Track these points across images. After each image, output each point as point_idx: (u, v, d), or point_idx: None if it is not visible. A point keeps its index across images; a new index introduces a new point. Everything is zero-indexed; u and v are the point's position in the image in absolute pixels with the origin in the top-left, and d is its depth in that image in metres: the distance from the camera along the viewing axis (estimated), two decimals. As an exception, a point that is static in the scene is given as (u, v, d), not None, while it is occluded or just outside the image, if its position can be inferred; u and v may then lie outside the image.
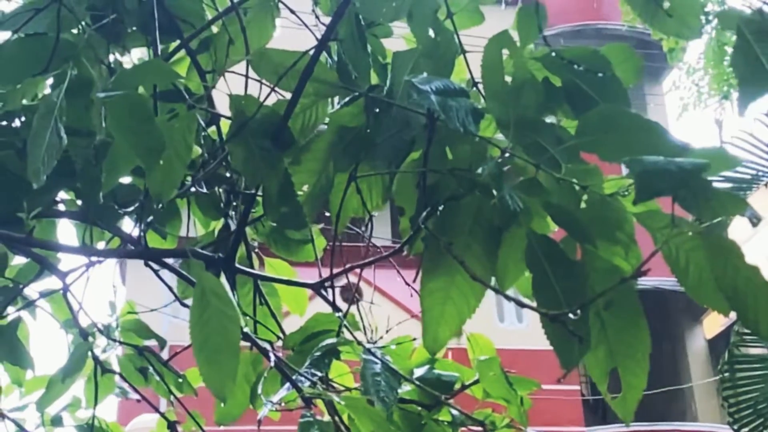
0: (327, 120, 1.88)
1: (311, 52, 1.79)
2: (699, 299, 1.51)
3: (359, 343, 2.10)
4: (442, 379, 2.22)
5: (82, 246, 2.10)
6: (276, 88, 1.90)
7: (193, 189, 2.26)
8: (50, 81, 2.20)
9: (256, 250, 2.98)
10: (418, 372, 2.25)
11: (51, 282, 2.84)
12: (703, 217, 1.44)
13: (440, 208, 1.68)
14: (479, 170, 1.52)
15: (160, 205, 1.86)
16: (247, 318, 2.66)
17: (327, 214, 2.06)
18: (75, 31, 2.79)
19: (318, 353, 2.24)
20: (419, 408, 2.21)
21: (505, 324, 16.36)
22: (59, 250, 2.20)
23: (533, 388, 2.24)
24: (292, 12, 2.37)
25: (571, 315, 1.38)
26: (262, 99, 1.87)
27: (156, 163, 1.56)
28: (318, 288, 2.12)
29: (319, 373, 2.14)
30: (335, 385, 2.48)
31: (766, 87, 1.26)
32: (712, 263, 1.40)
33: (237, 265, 2.80)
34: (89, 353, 2.52)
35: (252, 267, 2.72)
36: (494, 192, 1.46)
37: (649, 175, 1.28)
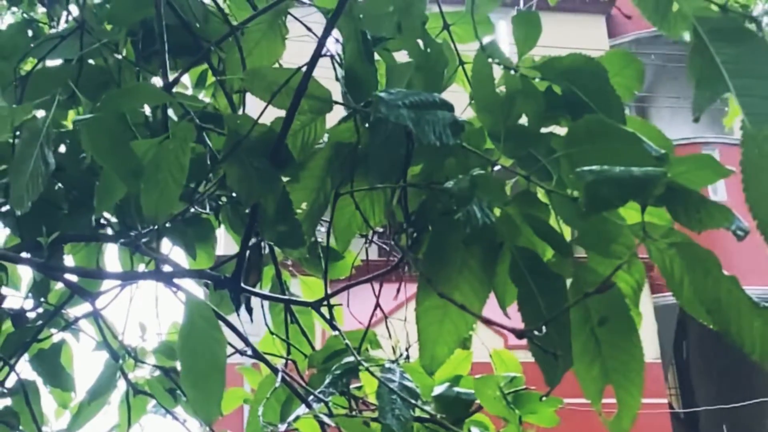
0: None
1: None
2: (696, 314, 1.45)
3: (359, 362, 2.05)
4: (460, 397, 2.17)
5: (96, 269, 2.12)
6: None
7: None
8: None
9: (290, 268, 2.98)
10: (438, 390, 2.21)
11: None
12: (692, 228, 1.38)
13: (438, 220, 1.65)
14: (448, 184, 1.48)
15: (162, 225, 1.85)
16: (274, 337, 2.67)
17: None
18: (120, 56, 2.85)
19: (337, 372, 2.22)
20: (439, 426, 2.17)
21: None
22: (75, 274, 2.22)
23: (558, 406, 2.18)
24: (309, 30, 2.36)
25: (536, 332, 1.32)
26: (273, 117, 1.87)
27: (137, 185, 1.55)
28: (317, 306, 2.09)
29: (336, 393, 2.12)
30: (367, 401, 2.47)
31: (721, 89, 1.19)
32: (692, 275, 1.34)
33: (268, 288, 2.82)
34: (121, 375, 2.53)
35: (281, 285, 2.72)
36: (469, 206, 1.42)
37: (599, 184, 1.22)
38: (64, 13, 3.28)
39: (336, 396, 2.37)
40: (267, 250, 2.68)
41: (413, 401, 1.99)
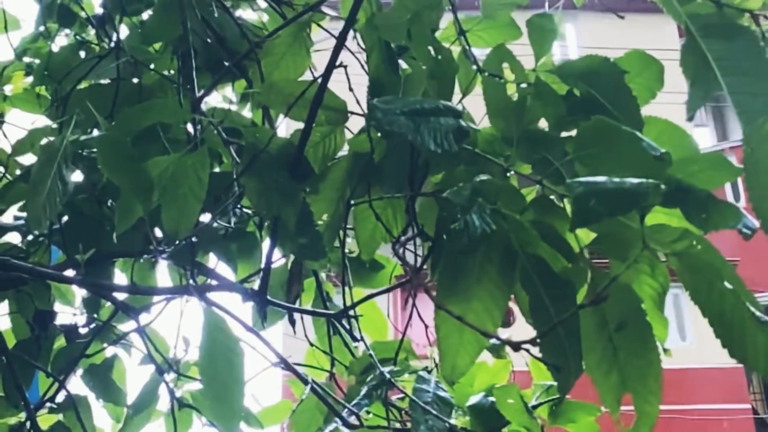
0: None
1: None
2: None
3: (382, 373, 2.04)
4: (494, 407, 2.14)
5: (130, 285, 2.14)
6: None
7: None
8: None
9: (334, 280, 2.98)
10: (473, 400, 2.18)
11: (145, 319, 2.91)
12: (700, 228, 1.34)
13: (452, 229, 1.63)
14: (446, 192, 1.46)
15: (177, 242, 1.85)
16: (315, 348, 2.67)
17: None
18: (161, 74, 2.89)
19: (373, 383, 2.21)
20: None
21: (667, 344, 15.74)
22: (110, 290, 2.24)
23: (596, 414, 2.14)
24: (335, 38, 2.35)
25: (533, 343, 1.29)
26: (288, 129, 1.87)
27: (148, 202, 1.57)
28: (339, 318, 2.09)
29: (368, 404, 2.11)
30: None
31: (714, 87, 1.15)
32: (695, 287, 1.29)
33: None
34: (164, 388, 2.55)
35: (322, 297, 2.72)
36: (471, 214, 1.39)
37: (587, 197, 1.19)
38: (114, 33, 3.33)
39: (378, 406, 2.37)
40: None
41: (443, 413, 1.97)
